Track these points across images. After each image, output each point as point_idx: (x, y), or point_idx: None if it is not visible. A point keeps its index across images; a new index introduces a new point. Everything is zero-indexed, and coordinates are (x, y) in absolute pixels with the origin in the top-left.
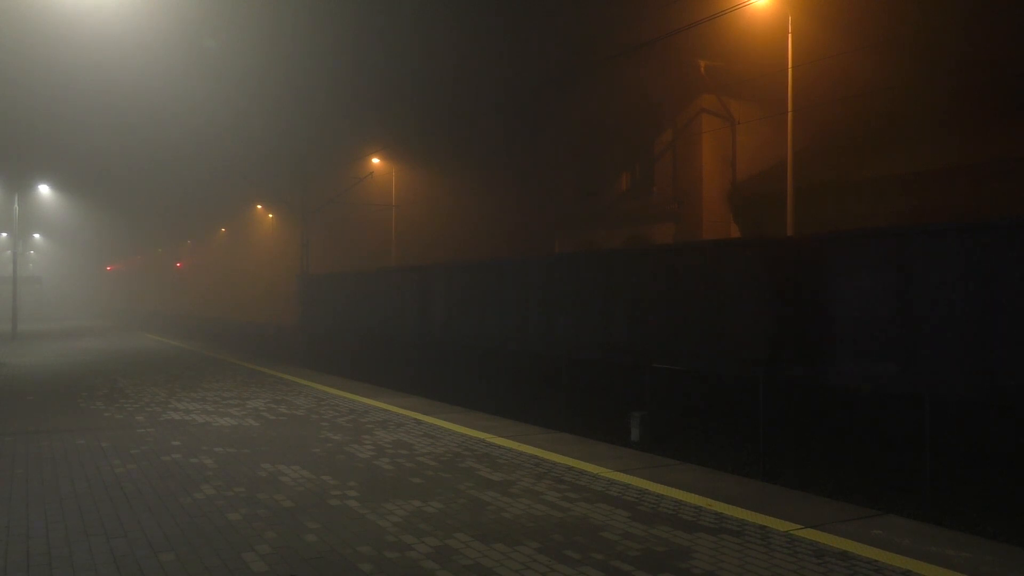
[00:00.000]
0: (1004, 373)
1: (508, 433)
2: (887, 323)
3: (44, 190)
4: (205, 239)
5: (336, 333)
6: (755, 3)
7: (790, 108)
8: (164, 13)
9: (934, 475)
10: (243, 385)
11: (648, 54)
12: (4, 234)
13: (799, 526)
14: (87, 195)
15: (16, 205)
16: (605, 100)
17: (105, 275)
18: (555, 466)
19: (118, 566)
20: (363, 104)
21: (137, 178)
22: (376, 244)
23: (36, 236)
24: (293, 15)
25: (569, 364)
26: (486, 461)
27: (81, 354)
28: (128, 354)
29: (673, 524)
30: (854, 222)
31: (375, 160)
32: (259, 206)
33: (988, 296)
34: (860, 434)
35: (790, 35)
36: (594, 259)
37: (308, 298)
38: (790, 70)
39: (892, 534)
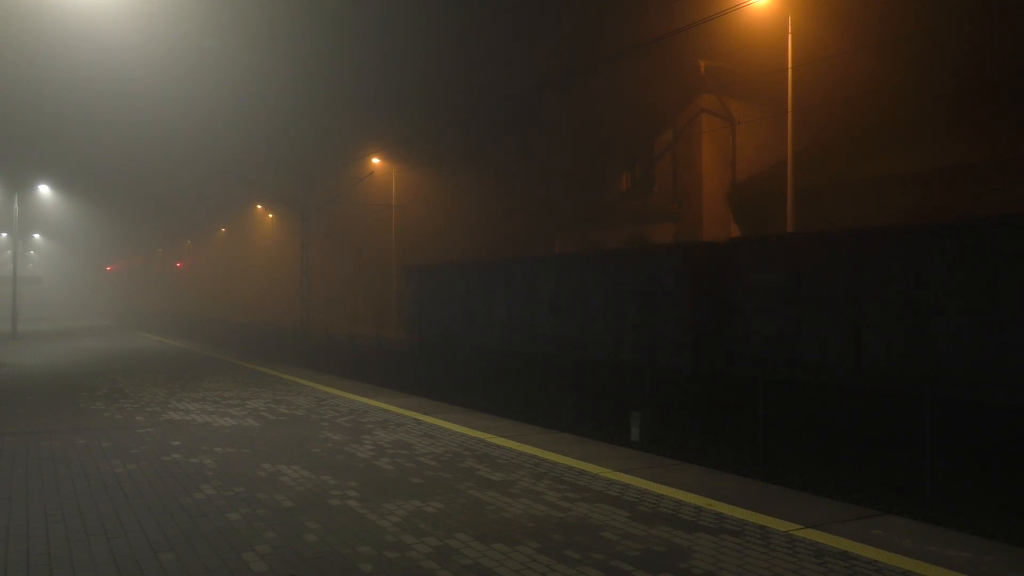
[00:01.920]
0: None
1: (508, 433)
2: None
3: (44, 190)
4: (205, 239)
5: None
6: (755, 3)
7: (790, 108)
8: (164, 13)
9: (934, 475)
10: (243, 385)
11: (648, 54)
12: (4, 234)
13: (799, 526)
14: (87, 195)
15: (16, 205)
16: (605, 100)
17: (105, 275)
18: (555, 466)
19: (118, 566)
20: (363, 104)
21: (137, 178)
22: (376, 244)
23: (36, 236)
24: (293, 15)
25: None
26: (486, 461)
27: (81, 354)
28: (128, 354)
29: (673, 524)
30: (854, 222)
31: (375, 160)
32: (259, 206)
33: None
34: (860, 434)
35: (790, 35)
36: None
37: (426, 300)
38: (790, 70)
39: (892, 534)
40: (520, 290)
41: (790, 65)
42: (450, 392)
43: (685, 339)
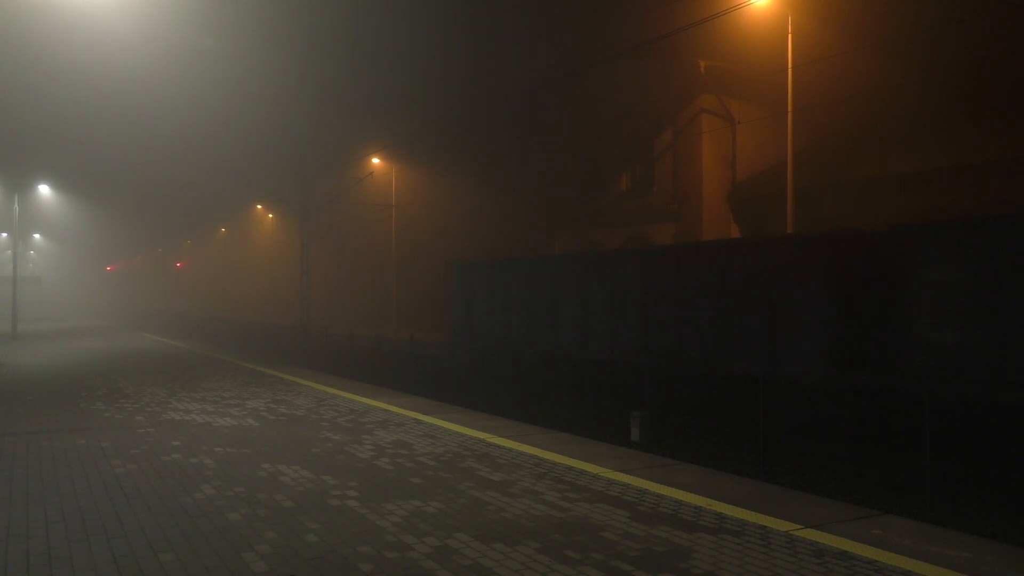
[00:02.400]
0: None
1: (508, 433)
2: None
3: (44, 190)
4: (205, 239)
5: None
6: (755, 3)
7: (790, 108)
8: (164, 13)
9: (934, 475)
10: (243, 385)
11: (648, 54)
12: (4, 234)
13: (799, 526)
14: (87, 195)
15: (16, 205)
16: (605, 100)
17: (105, 275)
18: (555, 466)
19: (118, 566)
20: (363, 104)
21: (137, 178)
22: (376, 244)
23: (36, 236)
24: (294, 15)
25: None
26: (486, 461)
27: (81, 354)
28: (128, 354)
29: (673, 524)
30: (854, 222)
31: (375, 160)
32: (259, 206)
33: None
34: (860, 434)
35: (790, 35)
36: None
37: (478, 301)
38: (790, 70)
39: (892, 534)
40: (599, 290)
41: (790, 65)
42: (513, 409)
43: (823, 349)
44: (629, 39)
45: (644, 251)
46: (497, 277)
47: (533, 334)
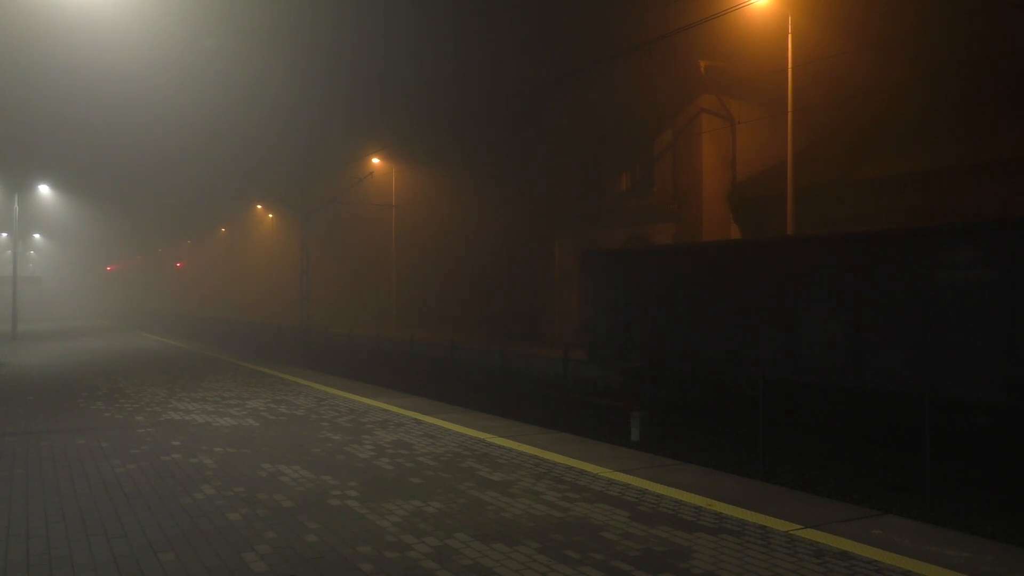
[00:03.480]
0: None
1: (508, 433)
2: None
3: (44, 190)
4: (205, 239)
5: None
6: (755, 3)
7: (790, 108)
8: (164, 13)
9: (934, 475)
10: (243, 385)
11: (648, 54)
12: (4, 234)
13: (799, 526)
14: (87, 195)
15: (16, 205)
16: (605, 100)
17: (105, 275)
18: (555, 466)
19: (118, 566)
20: (363, 104)
21: (137, 178)
22: (376, 244)
23: (36, 236)
24: (293, 15)
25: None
26: (486, 461)
27: (81, 354)
28: (128, 354)
29: (673, 524)
30: (854, 222)
31: (375, 160)
32: (259, 206)
33: None
34: (860, 434)
35: (790, 35)
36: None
37: (635, 304)
38: (790, 70)
39: (892, 534)
40: (882, 278)
41: (790, 65)
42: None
43: None
44: (629, 39)
45: (985, 227)
46: (675, 271)
47: (743, 349)
